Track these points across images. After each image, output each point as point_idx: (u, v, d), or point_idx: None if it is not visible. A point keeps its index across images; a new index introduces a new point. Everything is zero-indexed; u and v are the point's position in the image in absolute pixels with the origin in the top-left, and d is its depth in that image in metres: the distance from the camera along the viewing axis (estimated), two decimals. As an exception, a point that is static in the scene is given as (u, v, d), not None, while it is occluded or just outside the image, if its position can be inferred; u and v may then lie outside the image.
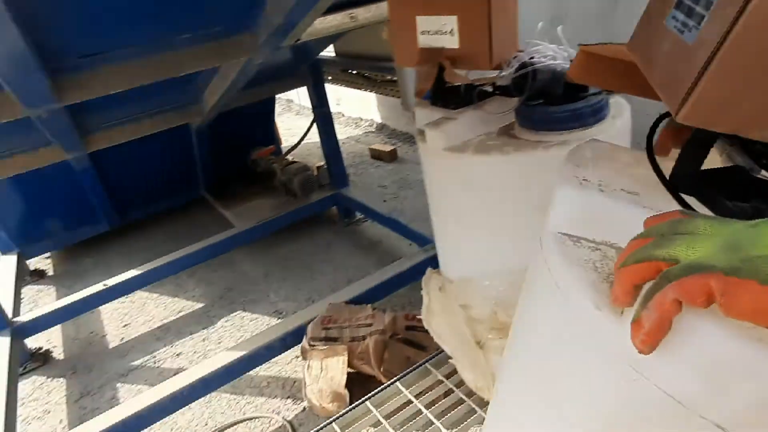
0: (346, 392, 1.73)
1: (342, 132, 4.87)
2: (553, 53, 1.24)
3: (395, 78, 3.32)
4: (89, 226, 3.27)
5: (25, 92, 1.37)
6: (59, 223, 3.19)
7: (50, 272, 3.25)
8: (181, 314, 2.60)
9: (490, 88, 1.36)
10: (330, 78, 4.12)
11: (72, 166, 2.79)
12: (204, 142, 3.16)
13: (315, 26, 1.83)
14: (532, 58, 1.24)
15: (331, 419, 1.53)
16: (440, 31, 1.28)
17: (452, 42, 1.27)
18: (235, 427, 1.86)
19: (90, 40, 1.42)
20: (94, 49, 1.45)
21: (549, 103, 1.19)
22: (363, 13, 1.99)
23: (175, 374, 1.83)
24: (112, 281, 2.55)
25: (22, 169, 2.21)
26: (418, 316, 1.95)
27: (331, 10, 1.82)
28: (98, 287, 2.52)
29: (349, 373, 1.79)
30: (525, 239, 1.21)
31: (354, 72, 3.79)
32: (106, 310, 2.76)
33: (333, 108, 5.61)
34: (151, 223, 3.57)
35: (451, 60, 1.28)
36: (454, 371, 1.58)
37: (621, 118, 1.21)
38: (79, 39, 1.38)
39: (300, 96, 5.86)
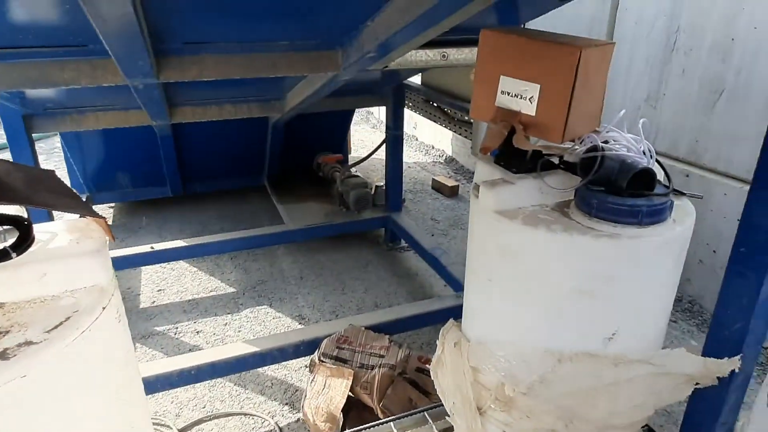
0: (340, 416, 1.73)
1: (411, 156, 4.92)
2: (628, 144, 1.21)
3: (471, 121, 3.32)
4: (154, 188, 3.50)
5: (129, 65, 1.49)
6: (129, 179, 3.43)
7: (110, 221, 3.47)
8: (212, 294, 2.70)
9: (556, 160, 1.34)
10: (410, 105, 4.18)
11: (155, 131, 2.98)
12: (277, 136, 3.29)
13: (406, 58, 1.88)
14: (605, 142, 1.22)
15: (319, 440, 1.53)
16: (520, 96, 1.28)
17: (529, 109, 1.27)
18: (229, 418, 1.90)
19: (197, 30, 1.52)
20: (198, 38, 1.56)
21: (610, 192, 1.16)
22: (455, 54, 2.01)
23: (190, 350, 1.89)
24: (159, 246, 2.70)
25: (111, 125, 2.39)
26: (431, 361, 1.93)
27: (426, 45, 1.86)
28: (146, 248, 2.67)
29: (349, 398, 1.79)
30: (553, 320, 1.18)
31: (435, 104, 3.83)
32: (146, 271, 2.91)
33: (408, 130, 5.70)
34: (210, 199, 3.74)
35: (525, 125, 1.27)
36: (450, 428, 1.55)
37: (682, 225, 1.16)
38: (188, 26, 1.49)
39: (380, 111, 5.97)
